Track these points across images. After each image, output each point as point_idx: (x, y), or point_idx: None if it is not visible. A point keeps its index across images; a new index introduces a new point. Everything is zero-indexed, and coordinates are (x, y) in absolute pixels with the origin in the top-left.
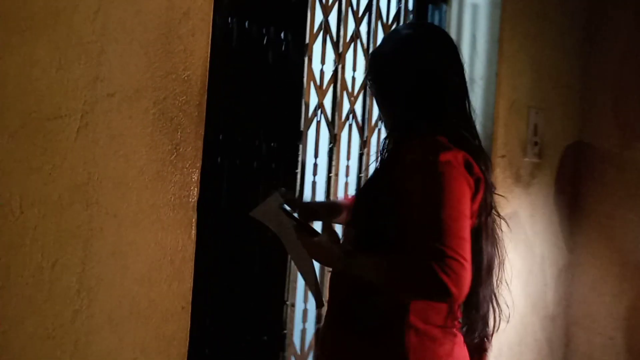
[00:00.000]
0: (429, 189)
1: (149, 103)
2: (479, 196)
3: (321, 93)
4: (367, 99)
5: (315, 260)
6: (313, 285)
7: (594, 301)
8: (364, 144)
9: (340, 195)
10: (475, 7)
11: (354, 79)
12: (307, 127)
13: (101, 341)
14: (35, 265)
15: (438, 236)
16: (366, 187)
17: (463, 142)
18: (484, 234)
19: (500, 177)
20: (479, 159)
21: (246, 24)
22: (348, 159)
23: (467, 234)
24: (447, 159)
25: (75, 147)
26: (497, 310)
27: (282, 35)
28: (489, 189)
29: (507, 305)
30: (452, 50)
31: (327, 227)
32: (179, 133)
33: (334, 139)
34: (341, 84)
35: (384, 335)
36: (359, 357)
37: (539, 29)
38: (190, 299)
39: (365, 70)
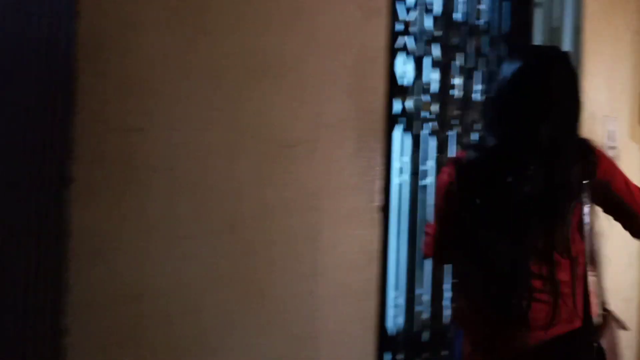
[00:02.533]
0: None
1: (350, 131)
2: None
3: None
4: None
5: None
6: None
7: None
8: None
9: None
10: (558, 31)
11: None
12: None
13: (323, 313)
14: (287, 257)
15: None
16: None
17: None
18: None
19: None
20: None
21: None
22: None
23: None
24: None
25: (304, 167)
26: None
27: None
28: None
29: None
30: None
31: None
32: (370, 153)
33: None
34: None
35: None
36: None
37: (612, 49)
38: (379, 281)
39: None
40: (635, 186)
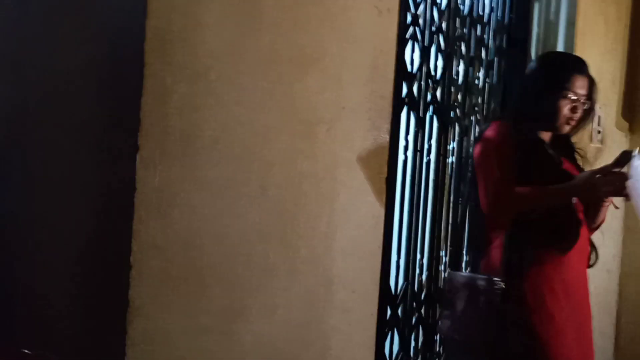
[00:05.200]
0: None
1: (362, 113)
2: None
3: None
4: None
5: None
6: None
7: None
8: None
9: None
10: (554, 24)
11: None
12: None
13: (337, 267)
14: (309, 216)
15: None
16: None
17: None
18: None
19: None
20: None
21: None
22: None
23: None
24: None
25: (324, 142)
26: None
27: None
28: None
29: None
30: None
31: None
32: (377, 131)
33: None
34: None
35: None
36: None
37: (604, 41)
38: (384, 242)
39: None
40: None
